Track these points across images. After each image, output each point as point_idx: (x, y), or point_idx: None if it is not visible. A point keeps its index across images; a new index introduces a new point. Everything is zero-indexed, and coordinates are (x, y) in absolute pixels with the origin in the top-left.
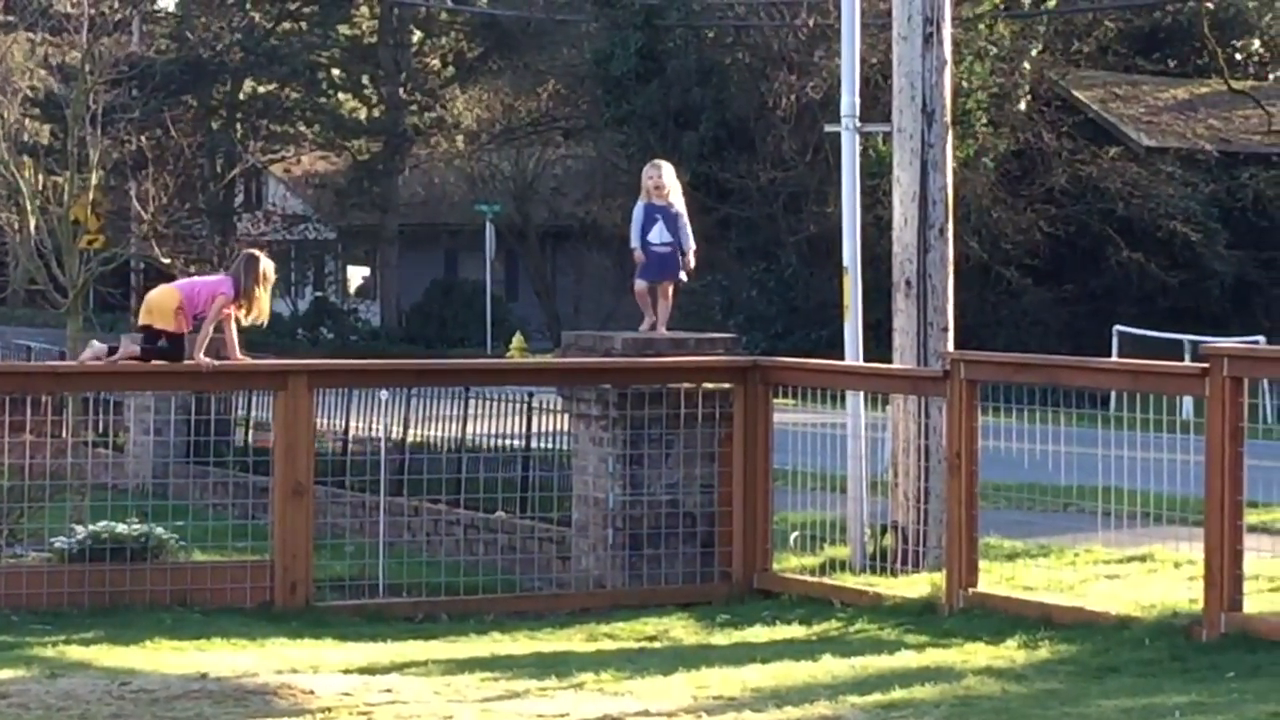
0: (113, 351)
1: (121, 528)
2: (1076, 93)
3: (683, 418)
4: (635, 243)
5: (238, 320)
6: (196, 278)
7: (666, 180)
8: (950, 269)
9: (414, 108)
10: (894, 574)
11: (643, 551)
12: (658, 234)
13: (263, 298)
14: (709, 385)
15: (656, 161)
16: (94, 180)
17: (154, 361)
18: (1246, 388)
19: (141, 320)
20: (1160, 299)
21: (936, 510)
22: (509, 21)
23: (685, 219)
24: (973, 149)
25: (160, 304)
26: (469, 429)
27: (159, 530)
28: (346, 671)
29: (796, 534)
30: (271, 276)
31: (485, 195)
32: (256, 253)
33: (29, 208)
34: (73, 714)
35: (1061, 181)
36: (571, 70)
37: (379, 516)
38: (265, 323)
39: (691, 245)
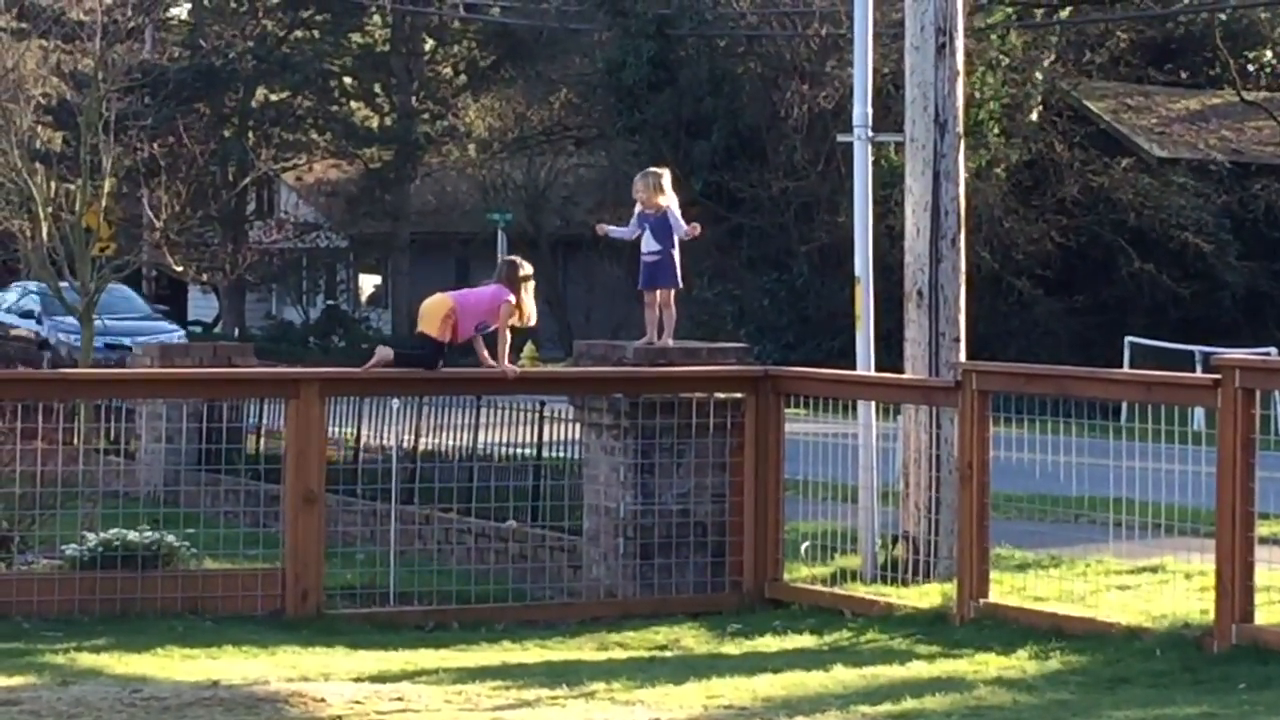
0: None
1: (133, 535)
2: (1088, 103)
3: (694, 427)
4: (615, 231)
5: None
6: (471, 288)
7: (661, 187)
8: (962, 279)
9: (426, 116)
10: (905, 584)
11: (654, 561)
12: (646, 243)
13: (526, 300)
14: (720, 395)
15: (644, 170)
16: (106, 187)
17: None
18: (1258, 399)
19: (419, 327)
20: (1172, 310)
21: (948, 520)
22: (521, 30)
23: (675, 215)
24: (985, 159)
25: (430, 311)
26: (480, 438)
27: (170, 538)
28: (357, 680)
29: (808, 544)
30: (532, 278)
31: (497, 204)
32: (516, 259)
33: (41, 215)
34: None
35: (1073, 192)
36: (583, 79)
37: (390, 525)
38: (533, 323)
39: (681, 230)
